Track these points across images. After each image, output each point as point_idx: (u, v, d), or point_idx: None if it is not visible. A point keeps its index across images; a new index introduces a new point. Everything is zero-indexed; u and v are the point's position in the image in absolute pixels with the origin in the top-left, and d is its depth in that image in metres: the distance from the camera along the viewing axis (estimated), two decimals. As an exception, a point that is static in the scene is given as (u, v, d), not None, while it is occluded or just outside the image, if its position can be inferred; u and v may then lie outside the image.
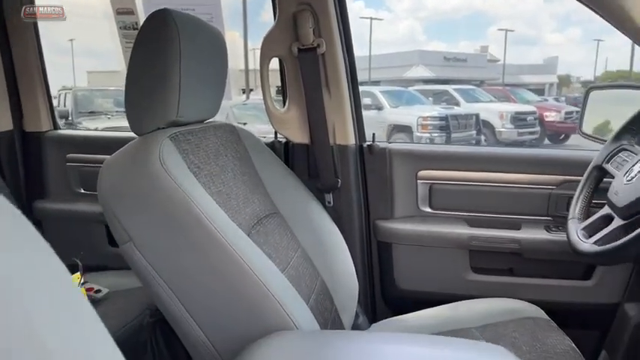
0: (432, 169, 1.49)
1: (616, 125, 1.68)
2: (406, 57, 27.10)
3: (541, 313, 1.23)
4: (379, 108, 9.76)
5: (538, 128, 10.95)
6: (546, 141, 11.60)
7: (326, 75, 1.41)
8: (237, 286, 0.87)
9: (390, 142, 1.53)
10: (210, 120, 1.14)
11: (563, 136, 11.91)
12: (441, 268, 1.47)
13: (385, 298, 1.55)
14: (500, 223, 1.46)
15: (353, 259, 1.31)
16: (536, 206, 1.44)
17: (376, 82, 19.75)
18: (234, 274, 0.86)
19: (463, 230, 1.44)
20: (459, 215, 1.49)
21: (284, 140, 1.52)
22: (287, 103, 1.46)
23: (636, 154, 1.06)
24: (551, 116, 11.65)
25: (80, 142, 1.80)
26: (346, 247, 1.31)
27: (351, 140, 1.46)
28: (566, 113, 11.91)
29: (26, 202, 1.76)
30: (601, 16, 1.26)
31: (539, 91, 24.42)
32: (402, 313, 1.32)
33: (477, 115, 10.01)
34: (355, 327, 1.31)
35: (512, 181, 1.45)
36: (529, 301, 1.29)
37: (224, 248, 0.86)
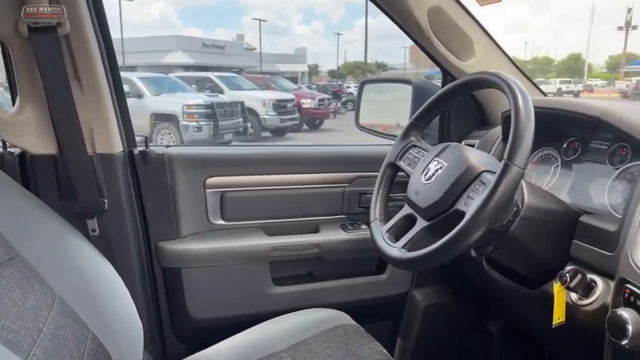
0: (222, 176, 1.29)
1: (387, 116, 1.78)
2: (163, 42, 26.01)
3: (347, 319, 1.18)
4: (139, 96, 9.04)
5: (297, 115, 11.76)
6: (305, 126, 12.59)
7: (74, 63, 1.07)
8: None
9: (169, 147, 1.26)
10: None
11: (318, 121, 13.12)
12: (241, 287, 1.29)
13: (178, 334, 1.31)
14: (299, 227, 1.36)
15: (133, 297, 1.03)
16: (332, 205, 1.39)
17: (132, 68, 18.35)
18: None
19: (262, 241, 1.30)
20: (255, 224, 1.33)
21: (18, 151, 1.11)
22: (17, 101, 1.06)
23: (427, 151, 1.06)
24: (307, 103, 12.65)
25: None
26: (122, 283, 1.02)
27: (117, 147, 1.15)
28: (319, 100, 13.12)
29: None
30: (385, 12, 1.25)
31: (293, 79, 26.41)
32: (201, 348, 1.12)
33: (242, 103, 10.17)
34: None
35: (307, 182, 1.36)
36: (332, 305, 1.23)
37: None
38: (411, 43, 1.31)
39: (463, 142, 1.34)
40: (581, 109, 1.03)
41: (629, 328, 0.73)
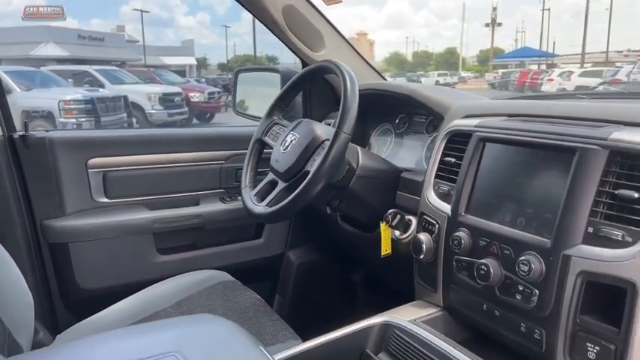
0: (104, 156, 1.39)
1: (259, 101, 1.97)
2: (32, 33, 23.67)
3: (227, 277, 1.35)
4: (6, 92, 8.24)
5: (186, 109, 11.48)
6: (195, 120, 12.32)
7: None
8: None
9: (49, 131, 1.34)
10: None
11: (209, 115, 12.89)
12: (127, 257, 1.41)
13: (67, 304, 1.39)
14: (180, 202, 1.50)
15: (22, 271, 1.11)
16: (211, 181, 1.55)
17: (-4, 61, 16.58)
18: None
19: (144, 215, 1.42)
20: (138, 201, 1.45)
21: None
22: None
23: (286, 127, 1.27)
24: (196, 97, 12.36)
25: None
26: (10, 259, 1.10)
27: None
28: (209, 94, 12.88)
29: None
30: (246, 8, 1.43)
31: (180, 72, 25.46)
32: (90, 316, 1.22)
33: (126, 97, 9.73)
34: (36, 345, 1.14)
35: (187, 160, 1.51)
36: (215, 269, 1.38)
37: None
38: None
39: (323, 122, 1.57)
40: (396, 89, 1.31)
41: (424, 246, 1.00)
